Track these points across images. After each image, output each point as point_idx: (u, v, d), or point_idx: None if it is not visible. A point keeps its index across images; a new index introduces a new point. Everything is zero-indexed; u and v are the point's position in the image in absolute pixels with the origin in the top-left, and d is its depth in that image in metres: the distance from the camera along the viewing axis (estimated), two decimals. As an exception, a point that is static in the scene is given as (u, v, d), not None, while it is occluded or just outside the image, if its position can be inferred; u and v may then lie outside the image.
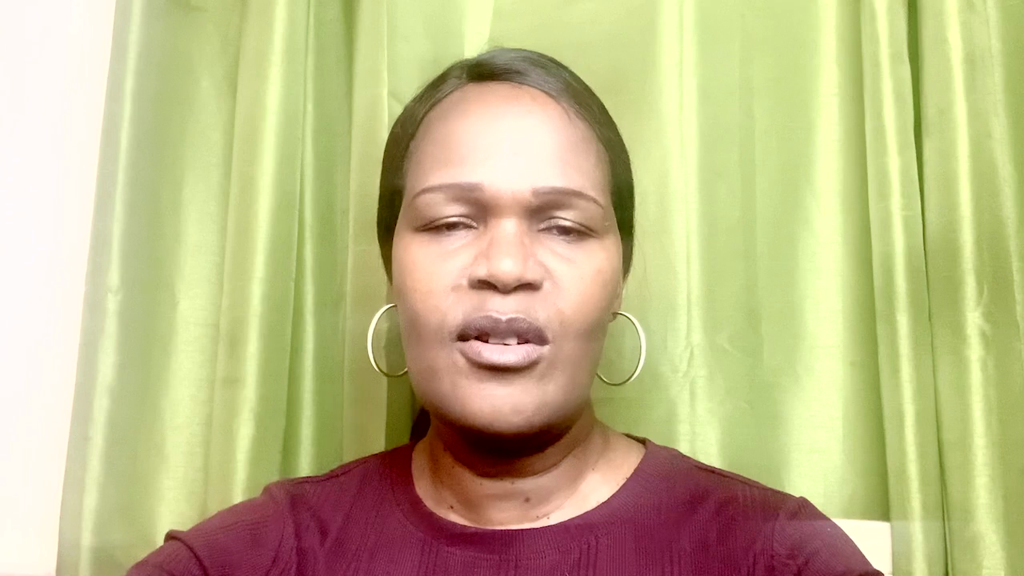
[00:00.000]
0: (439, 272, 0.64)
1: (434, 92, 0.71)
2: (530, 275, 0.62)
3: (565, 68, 0.71)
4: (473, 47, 0.96)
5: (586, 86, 0.71)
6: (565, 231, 0.65)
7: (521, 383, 0.62)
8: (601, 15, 0.95)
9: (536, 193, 0.64)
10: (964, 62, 0.82)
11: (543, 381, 0.63)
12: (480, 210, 0.64)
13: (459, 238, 0.65)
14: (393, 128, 0.74)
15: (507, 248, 0.62)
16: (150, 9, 0.97)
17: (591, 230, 0.65)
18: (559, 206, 0.64)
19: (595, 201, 0.65)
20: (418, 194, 0.66)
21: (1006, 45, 0.84)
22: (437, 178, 0.65)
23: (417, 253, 0.65)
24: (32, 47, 1.07)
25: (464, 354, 0.62)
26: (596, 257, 0.66)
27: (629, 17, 0.94)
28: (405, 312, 0.66)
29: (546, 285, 0.63)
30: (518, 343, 0.62)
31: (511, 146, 0.64)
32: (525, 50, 0.72)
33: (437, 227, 0.65)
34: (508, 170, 0.64)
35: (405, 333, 0.67)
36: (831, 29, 0.92)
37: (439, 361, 0.63)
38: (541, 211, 0.64)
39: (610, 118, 0.71)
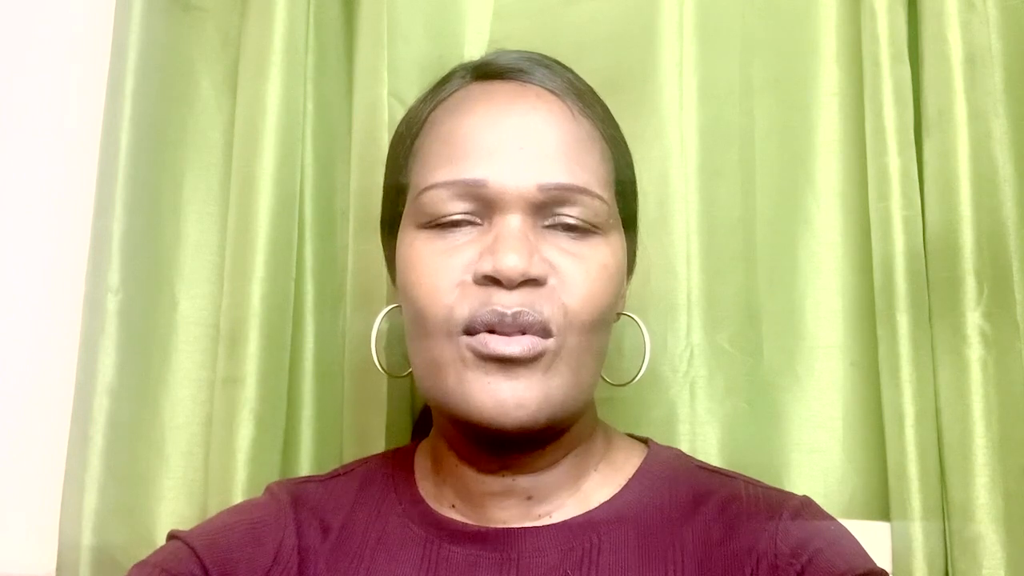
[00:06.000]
0: (444, 268, 0.64)
1: (439, 91, 0.71)
2: (535, 271, 0.62)
3: (569, 69, 0.72)
4: (473, 48, 0.97)
5: (589, 86, 0.72)
6: (570, 228, 0.65)
7: (526, 377, 0.62)
8: (601, 15, 0.95)
9: (541, 189, 0.64)
10: (964, 62, 0.82)
11: (548, 375, 0.62)
12: (485, 207, 0.64)
13: (464, 234, 0.65)
14: (398, 127, 0.74)
15: (512, 243, 0.62)
16: (150, 9, 0.97)
17: (596, 227, 0.66)
18: (564, 202, 0.65)
19: (600, 198, 0.66)
20: (422, 191, 0.66)
21: (1006, 45, 0.84)
22: (441, 175, 0.65)
23: (422, 249, 0.65)
24: (32, 47, 1.07)
25: (470, 347, 0.62)
26: (601, 252, 0.66)
27: (629, 17, 0.94)
28: (409, 308, 0.66)
29: (551, 281, 0.63)
30: (523, 336, 0.62)
31: (516, 143, 0.65)
32: (529, 51, 0.72)
33: (441, 224, 0.65)
34: (513, 166, 0.64)
35: (409, 330, 0.67)
36: (831, 29, 0.92)
37: (445, 355, 0.63)
38: (546, 207, 0.64)
39: (613, 117, 0.72)
